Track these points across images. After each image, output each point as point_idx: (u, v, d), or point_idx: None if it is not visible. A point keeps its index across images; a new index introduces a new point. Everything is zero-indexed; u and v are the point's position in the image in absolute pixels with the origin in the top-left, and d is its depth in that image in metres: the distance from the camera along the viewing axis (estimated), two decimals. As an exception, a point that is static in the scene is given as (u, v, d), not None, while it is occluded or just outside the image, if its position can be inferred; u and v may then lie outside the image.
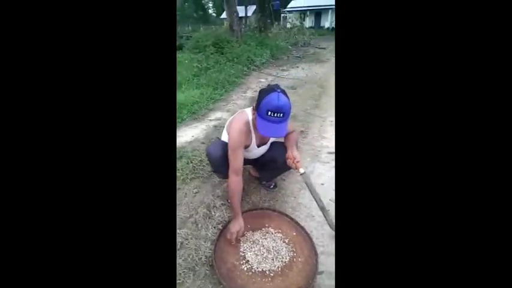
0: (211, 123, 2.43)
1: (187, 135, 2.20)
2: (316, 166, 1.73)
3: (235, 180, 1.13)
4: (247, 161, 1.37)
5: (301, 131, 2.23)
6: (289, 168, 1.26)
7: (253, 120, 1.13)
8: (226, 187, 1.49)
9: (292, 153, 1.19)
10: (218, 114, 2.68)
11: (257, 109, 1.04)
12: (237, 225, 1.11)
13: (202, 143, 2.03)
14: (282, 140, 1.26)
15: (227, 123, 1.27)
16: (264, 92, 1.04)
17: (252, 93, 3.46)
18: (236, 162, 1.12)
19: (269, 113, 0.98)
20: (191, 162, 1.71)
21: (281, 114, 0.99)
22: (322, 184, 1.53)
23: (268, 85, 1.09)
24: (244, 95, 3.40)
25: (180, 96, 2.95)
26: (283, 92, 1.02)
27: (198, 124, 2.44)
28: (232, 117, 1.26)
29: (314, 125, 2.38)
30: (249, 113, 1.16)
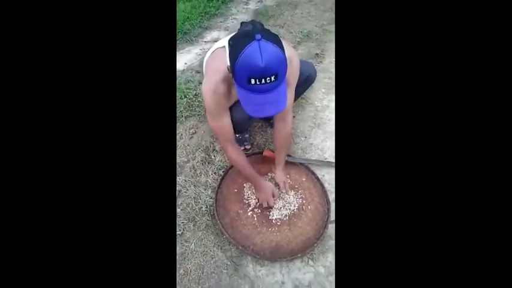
0: (207, 46, 2.03)
1: (178, 62, 1.86)
2: (332, 99, 1.46)
3: (234, 150, 0.91)
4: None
5: (316, 54, 1.84)
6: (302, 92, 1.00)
7: None
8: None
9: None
10: (215, 34, 2.22)
11: (233, 73, 0.65)
12: (268, 189, 0.96)
13: (197, 72, 1.72)
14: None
15: (205, 60, 0.92)
16: (237, 41, 0.64)
17: (255, 4, 2.79)
18: (224, 131, 0.87)
19: (252, 81, 0.62)
20: (185, 97, 1.47)
21: (273, 78, 0.62)
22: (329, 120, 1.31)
23: (242, 23, 0.70)
24: (246, 7, 2.76)
25: (167, 11, 2.40)
26: (266, 34, 0.63)
27: (191, 48, 2.04)
28: (207, 57, 0.90)
29: (332, 46, 1.94)
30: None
